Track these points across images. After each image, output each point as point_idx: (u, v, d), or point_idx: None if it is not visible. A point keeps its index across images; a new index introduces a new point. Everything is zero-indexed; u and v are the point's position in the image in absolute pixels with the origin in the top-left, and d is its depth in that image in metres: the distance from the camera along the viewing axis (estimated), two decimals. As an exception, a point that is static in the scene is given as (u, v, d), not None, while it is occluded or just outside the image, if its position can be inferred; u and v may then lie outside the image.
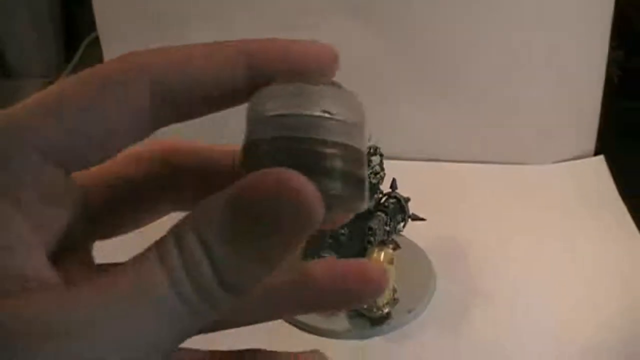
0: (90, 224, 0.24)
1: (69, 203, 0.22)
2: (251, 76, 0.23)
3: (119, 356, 0.20)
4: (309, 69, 0.23)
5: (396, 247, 0.50)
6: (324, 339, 0.49)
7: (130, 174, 0.25)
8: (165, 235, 0.20)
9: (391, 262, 0.49)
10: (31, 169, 0.21)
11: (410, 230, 0.52)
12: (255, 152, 0.22)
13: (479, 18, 0.64)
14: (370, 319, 0.49)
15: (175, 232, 0.20)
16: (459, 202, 0.62)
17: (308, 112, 0.21)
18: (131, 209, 0.25)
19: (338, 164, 0.21)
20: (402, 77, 0.66)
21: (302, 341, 0.49)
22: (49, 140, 0.21)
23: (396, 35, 0.65)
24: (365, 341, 0.49)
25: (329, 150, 0.21)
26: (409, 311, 0.51)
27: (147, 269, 0.20)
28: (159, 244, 0.20)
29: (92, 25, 0.69)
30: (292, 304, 0.25)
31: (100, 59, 0.69)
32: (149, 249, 0.20)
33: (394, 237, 0.50)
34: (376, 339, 0.49)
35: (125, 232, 0.25)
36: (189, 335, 0.21)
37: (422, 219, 0.50)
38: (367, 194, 0.21)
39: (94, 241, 0.25)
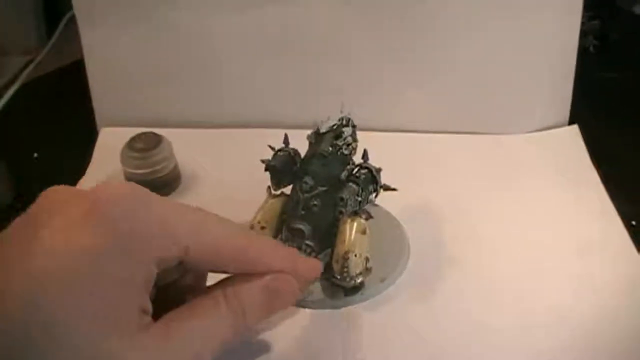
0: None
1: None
2: None
3: None
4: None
5: (368, 216, 0.50)
6: (297, 308, 0.50)
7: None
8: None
9: (364, 232, 0.49)
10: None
11: (383, 200, 0.52)
12: None
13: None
14: (344, 288, 0.50)
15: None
16: (431, 172, 0.62)
17: None
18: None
19: None
20: (374, 49, 0.66)
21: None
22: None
23: (369, 5, 0.65)
24: (339, 310, 0.50)
25: None
26: (382, 280, 0.51)
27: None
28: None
29: (72, 1, 0.68)
30: None
31: (79, 36, 0.69)
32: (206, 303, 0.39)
33: (367, 207, 0.50)
34: (350, 308, 0.50)
35: None
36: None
37: (394, 189, 0.51)
38: None
39: None
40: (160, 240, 0.35)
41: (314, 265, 0.45)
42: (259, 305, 0.40)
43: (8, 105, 0.78)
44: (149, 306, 0.35)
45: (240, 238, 0.40)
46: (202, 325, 0.37)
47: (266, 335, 0.48)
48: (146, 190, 0.37)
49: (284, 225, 0.51)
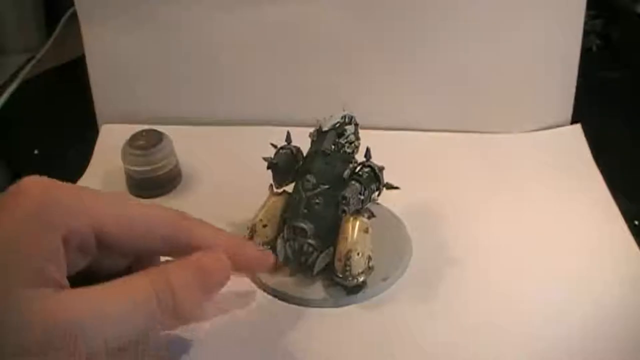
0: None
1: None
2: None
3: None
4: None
5: (371, 215, 0.50)
6: (299, 307, 0.49)
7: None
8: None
9: (366, 230, 0.49)
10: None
11: (385, 199, 0.52)
12: None
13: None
14: (346, 287, 0.50)
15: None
16: (434, 170, 0.62)
17: None
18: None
19: None
20: (377, 47, 0.66)
21: (277, 309, 0.49)
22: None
23: (371, 4, 0.65)
24: (341, 309, 0.49)
25: None
26: (384, 279, 0.51)
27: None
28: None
29: (71, -1, 0.68)
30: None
31: (80, 34, 0.69)
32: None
33: (369, 205, 0.50)
34: (352, 306, 0.50)
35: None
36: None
37: (397, 188, 0.51)
38: None
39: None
40: (69, 212, 0.37)
41: (263, 257, 0.46)
42: (189, 284, 0.39)
43: (8, 102, 0.78)
44: (55, 274, 0.36)
45: (167, 219, 0.41)
46: (115, 300, 0.37)
47: (267, 334, 0.48)
48: (61, 183, 0.40)
49: (286, 223, 0.51)
